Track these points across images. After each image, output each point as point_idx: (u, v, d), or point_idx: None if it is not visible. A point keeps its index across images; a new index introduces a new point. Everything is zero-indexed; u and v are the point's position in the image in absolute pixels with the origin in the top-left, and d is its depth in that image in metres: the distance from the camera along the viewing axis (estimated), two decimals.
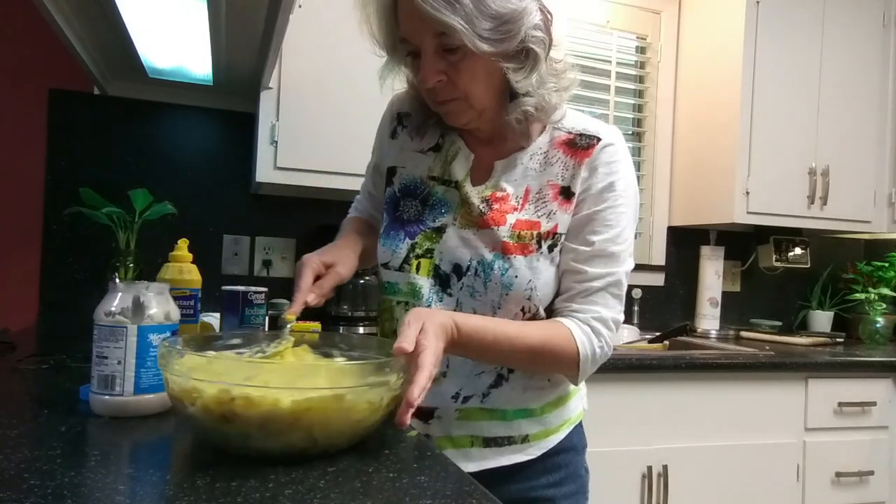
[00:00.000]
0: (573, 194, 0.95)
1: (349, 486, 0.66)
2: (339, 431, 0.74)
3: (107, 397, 0.85)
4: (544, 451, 0.99)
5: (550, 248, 0.94)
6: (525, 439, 0.98)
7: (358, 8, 0.94)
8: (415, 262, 0.97)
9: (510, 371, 0.97)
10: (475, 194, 0.98)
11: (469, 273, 0.94)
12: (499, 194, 0.97)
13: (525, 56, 0.91)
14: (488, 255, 0.94)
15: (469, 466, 0.95)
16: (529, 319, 0.94)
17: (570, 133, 0.98)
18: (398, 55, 0.96)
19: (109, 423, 0.85)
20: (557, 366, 0.93)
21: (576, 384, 0.99)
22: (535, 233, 0.94)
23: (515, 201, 0.97)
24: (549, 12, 0.93)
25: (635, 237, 0.99)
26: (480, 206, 0.96)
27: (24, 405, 0.94)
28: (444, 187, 1.01)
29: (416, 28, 0.88)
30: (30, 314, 1.93)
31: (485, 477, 0.89)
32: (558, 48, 0.96)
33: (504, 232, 0.94)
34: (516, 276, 0.92)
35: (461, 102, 0.92)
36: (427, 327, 0.80)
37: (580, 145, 0.96)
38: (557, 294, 0.96)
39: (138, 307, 0.85)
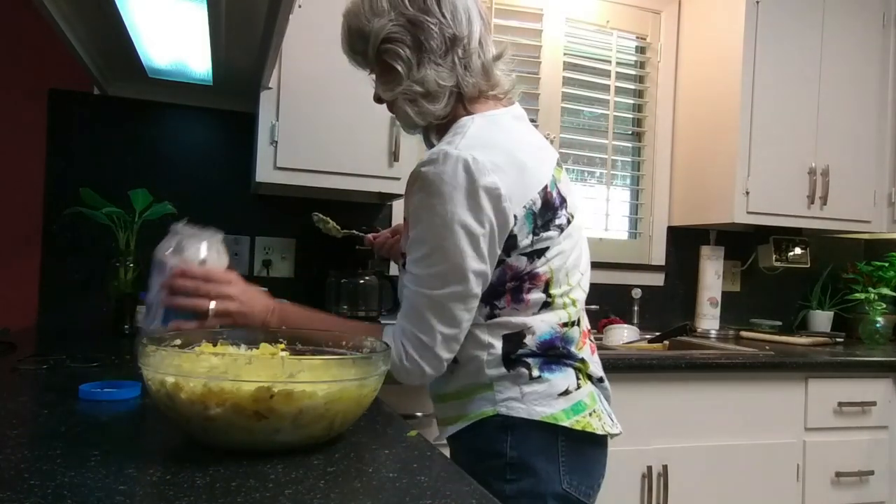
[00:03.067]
0: (406, 221, 1.03)
1: (349, 486, 0.66)
2: (353, 417, 0.81)
3: (146, 324, 0.98)
4: (447, 435, 1.11)
5: (404, 266, 1.04)
6: (443, 422, 1.13)
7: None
8: None
9: None
10: None
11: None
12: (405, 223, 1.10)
13: (385, 69, 1.08)
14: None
15: (442, 435, 1.14)
16: None
17: None
18: None
19: (110, 424, 0.85)
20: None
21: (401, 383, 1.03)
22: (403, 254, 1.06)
23: None
24: (408, 20, 1.09)
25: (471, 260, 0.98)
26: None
27: (24, 405, 0.94)
28: None
29: None
30: (30, 314, 1.93)
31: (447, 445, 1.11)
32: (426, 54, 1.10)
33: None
34: (398, 292, 1.09)
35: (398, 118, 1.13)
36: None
37: (410, 175, 1.02)
38: None
39: (178, 249, 0.97)
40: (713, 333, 2.50)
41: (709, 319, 2.53)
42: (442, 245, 0.95)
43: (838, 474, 2.04)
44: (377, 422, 0.92)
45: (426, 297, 0.97)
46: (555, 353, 1.04)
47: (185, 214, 1.89)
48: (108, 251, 1.85)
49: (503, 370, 1.02)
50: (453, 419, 1.08)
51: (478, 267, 0.96)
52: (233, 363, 0.73)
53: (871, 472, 2.08)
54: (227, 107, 2.11)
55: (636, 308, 2.52)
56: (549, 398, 1.02)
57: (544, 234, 1.01)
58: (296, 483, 0.65)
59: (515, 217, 0.97)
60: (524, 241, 0.99)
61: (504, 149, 1.00)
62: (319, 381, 0.74)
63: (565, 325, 1.05)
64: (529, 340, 1.02)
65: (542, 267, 1.01)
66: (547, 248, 1.02)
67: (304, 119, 1.82)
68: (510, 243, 0.99)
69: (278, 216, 2.16)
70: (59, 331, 1.80)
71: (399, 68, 1.03)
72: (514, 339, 1.02)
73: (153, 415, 0.91)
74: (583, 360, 1.07)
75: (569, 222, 1.06)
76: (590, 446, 1.08)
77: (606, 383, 1.14)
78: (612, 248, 2.58)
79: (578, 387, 1.05)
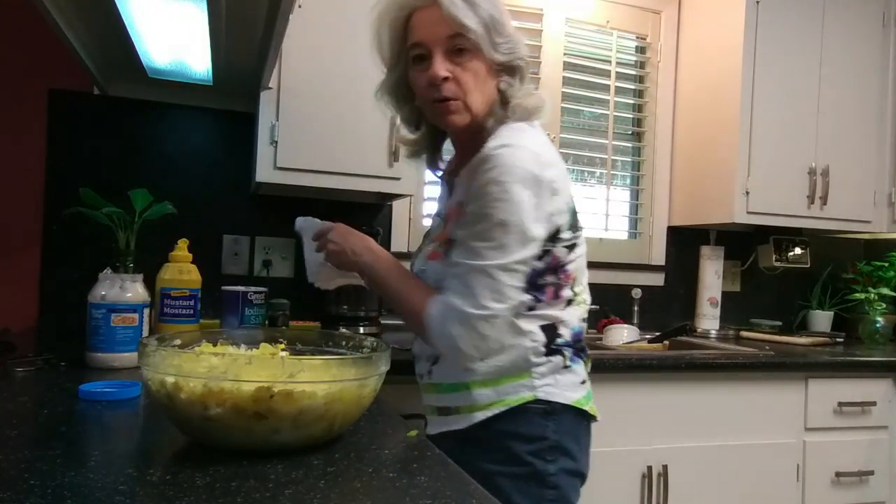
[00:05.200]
0: (463, 205, 1.08)
1: (349, 486, 0.66)
2: (353, 418, 0.81)
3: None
4: (470, 423, 1.10)
5: (447, 253, 1.10)
6: (457, 410, 1.13)
7: (372, 26, 1.14)
8: None
9: None
10: (444, 215, 1.21)
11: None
12: (450, 210, 1.17)
13: (516, 72, 1.13)
14: (421, 264, 1.19)
15: (432, 429, 1.17)
16: None
17: (485, 148, 1.07)
18: (399, 69, 1.15)
19: (110, 424, 0.85)
20: (415, 324, 1.09)
21: (425, 339, 1.09)
22: (442, 241, 1.13)
23: (456, 214, 1.13)
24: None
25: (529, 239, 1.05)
26: (441, 228, 1.19)
27: (24, 405, 0.94)
28: (438, 219, 1.26)
29: (435, 30, 1.06)
30: (30, 314, 1.93)
31: (440, 438, 1.10)
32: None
33: (435, 245, 1.16)
34: (425, 278, 1.14)
35: (459, 103, 1.09)
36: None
37: (475, 160, 1.06)
38: None
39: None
40: (713, 333, 2.50)
41: (709, 319, 2.53)
42: (507, 220, 1.01)
43: (838, 474, 2.04)
44: (377, 422, 0.92)
45: (481, 270, 1.02)
46: (579, 345, 1.15)
47: (185, 214, 1.90)
48: (108, 251, 1.85)
49: (543, 358, 1.10)
50: (483, 405, 1.10)
51: (531, 250, 1.04)
52: (233, 363, 0.73)
53: (871, 473, 2.08)
54: (227, 107, 2.11)
55: (636, 308, 2.52)
56: (576, 386, 1.14)
57: (576, 232, 1.13)
58: (296, 483, 0.65)
59: (563, 212, 1.09)
60: (565, 234, 1.10)
61: (553, 150, 1.12)
62: (319, 381, 0.74)
63: (583, 320, 1.17)
64: (564, 332, 1.12)
65: (571, 264, 1.12)
66: (576, 245, 1.13)
67: (304, 119, 1.82)
68: (556, 234, 1.09)
69: (278, 216, 2.15)
70: (59, 331, 1.80)
71: (526, 72, 1.16)
72: (551, 330, 1.11)
73: (153, 415, 0.91)
74: (589, 354, 1.20)
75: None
76: (590, 431, 1.21)
77: None
78: (612, 248, 2.58)
79: (587, 377, 1.18)
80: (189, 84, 1.95)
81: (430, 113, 1.14)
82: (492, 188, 1.01)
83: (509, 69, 1.11)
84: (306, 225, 1.26)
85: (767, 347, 2.22)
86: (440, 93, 1.07)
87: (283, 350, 0.93)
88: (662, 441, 1.87)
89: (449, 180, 1.25)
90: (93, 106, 2.00)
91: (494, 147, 1.04)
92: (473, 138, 1.12)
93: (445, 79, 1.06)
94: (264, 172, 1.81)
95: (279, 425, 0.72)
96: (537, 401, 1.09)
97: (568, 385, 1.12)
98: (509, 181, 1.01)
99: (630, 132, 2.67)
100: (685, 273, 2.65)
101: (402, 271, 1.15)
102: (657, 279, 2.62)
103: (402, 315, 1.14)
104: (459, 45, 1.06)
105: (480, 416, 1.10)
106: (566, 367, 1.12)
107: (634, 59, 2.67)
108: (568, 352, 1.12)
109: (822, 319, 2.68)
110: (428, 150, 1.28)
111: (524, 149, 1.04)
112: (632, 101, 2.66)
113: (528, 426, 1.09)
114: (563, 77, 2.51)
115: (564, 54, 2.51)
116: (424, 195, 2.34)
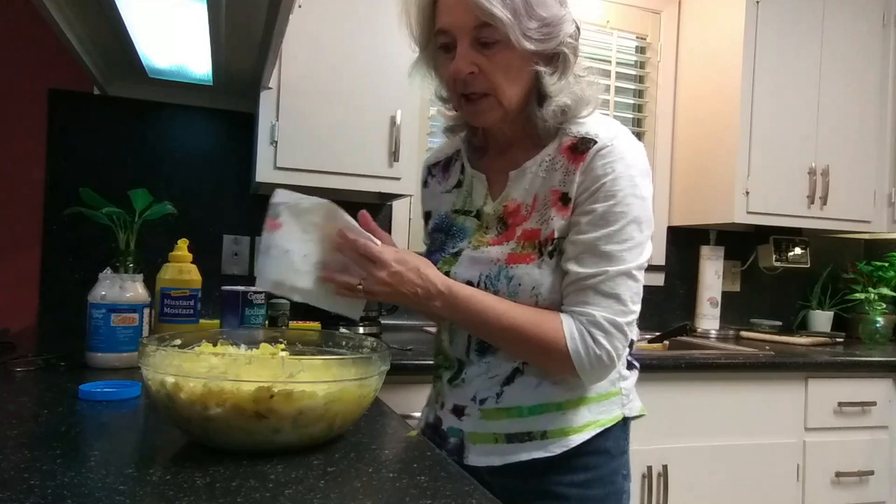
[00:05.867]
0: (570, 199, 0.95)
1: (349, 486, 0.66)
2: (353, 418, 0.81)
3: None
4: (565, 448, 0.97)
5: (551, 254, 0.95)
6: (543, 435, 0.98)
7: (399, 1, 0.99)
8: None
9: (525, 364, 0.98)
10: (492, 212, 1.03)
11: (479, 287, 0.98)
12: (511, 206, 1.01)
13: (557, 60, 0.96)
14: (494, 269, 0.97)
15: (494, 460, 0.99)
16: None
17: (574, 137, 0.98)
18: (430, 51, 1.00)
19: (110, 424, 0.85)
20: (546, 355, 0.93)
21: (585, 385, 0.98)
22: (535, 241, 0.96)
23: (525, 211, 0.99)
24: (578, 26, 0.99)
25: (650, 236, 0.97)
26: (497, 227, 1.01)
27: (24, 405, 0.94)
28: (465, 217, 1.07)
29: (459, 18, 0.92)
30: (30, 314, 1.93)
31: (510, 469, 0.97)
32: (580, 58, 1.01)
33: (511, 245, 0.98)
34: (520, 284, 0.95)
35: (490, 99, 0.95)
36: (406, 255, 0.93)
37: (579, 149, 0.96)
38: None
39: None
40: (713, 333, 2.50)
41: (709, 319, 2.53)
42: (640, 217, 0.94)
43: (838, 474, 2.04)
44: (377, 422, 0.92)
45: (626, 274, 0.92)
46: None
47: (185, 214, 1.90)
48: (108, 251, 1.85)
49: (627, 371, 1.05)
50: (578, 428, 0.98)
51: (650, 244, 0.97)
52: (233, 363, 0.73)
53: (871, 472, 2.08)
54: (227, 107, 2.11)
55: None
56: (634, 393, 1.07)
57: None
58: (296, 483, 0.65)
59: None
60: None
61: None
62: (319, 381, 0.74)
63: None
64: (632, 341, 1.02)
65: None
66: None
67: (304, 119, 1.82)
68: None
69: None
70: (59, 331, 1.80)
71: (571, 59, 1.00)
72: (630, 340, 1.01)
73: (153, 415, 0.91)
74: None
75: None
76: None
77: None
78: None
79: None
80: (189, 84, 1.95)
81: (458, 107, 1.01)
82: (622, 183, 0.93)
83: (547, 57, 0.95)
84: (291, 201, 0.92)
85: (767, 347, 2.22)
86: (466, 88, 0.95)
87: (283, 350, 0.93)
88: (662, 441, 1.87)
89: (486, 171, 1.07)
90: (93, 106, 2.00)
91: (607, 137, 0.95)
92: (522, 128, 1.01)
93: (471, 73, 0.93)
94: (264, 172, 1.81)
95: (279, 425, 0.72)
96: (623, 416, 1.02)
97: (633, 394, 1.06)
98: (636, 174, 0.94)
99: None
100: (685, 273, 2.65)
101: (496, 300, 0.95)
102: (657, 279, 2.62)
103: (518, 349, 0.96)
104: (485, 39, 0.92)
105: (577, 439, 0.98)
106: (631, 376, 1.06)
107: (634, 59, 2.67)
108: (636, 363, 1.07)
109: (822, 319, 2.68)
110: (464, 126, 1.10)
111: (632, 138, 0.97)
112: (632, 101, 2.66)
113: (614, 443, 1.02)
114: None
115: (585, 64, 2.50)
116: None
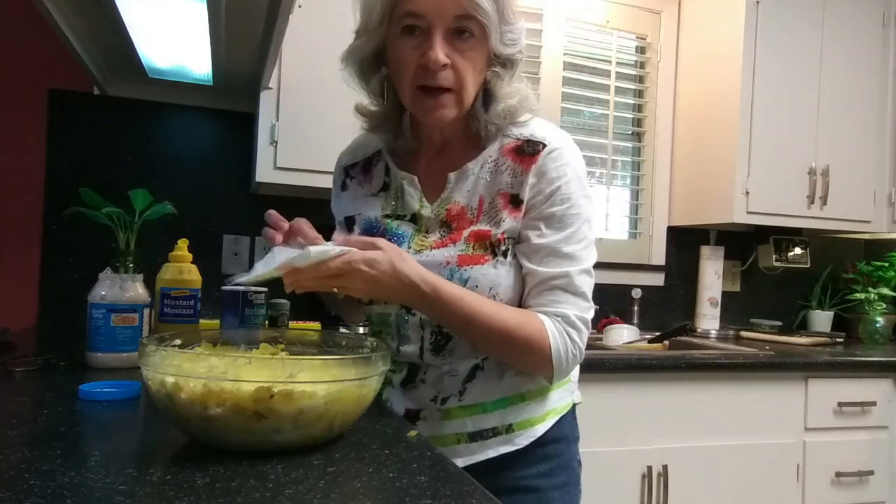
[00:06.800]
0: (522, 201, 0.96)
1: (349, 486, 0.66)
2: (353, 418, 0.80)
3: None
4: (531, 439, 0.99)
5: (505, 254, 0.96)
6: (510, 429, 1.00)
7: None
8: None
9: (485, 359, 0.99)
10: (433, 216, 1.01)
11: None
12: (454, 209, 1.00)
13: (511, 66, 0.98)
14: (445, 272, 0.95)
15: (458, 462, 0.95)
16: None
17: (517, 139, 0.99)
18: (379, 36, 0.95)
19: (110, 424, 0.85)
20: (529, 356, 0.94)
21: (550, 382, 1.00)
22: (487, 242, 0.96)
23: (471, 214, 0.99)
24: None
25: (597, 238, 1.03)
26: (441, 230, 1.00)
27: (24, 405, 0.94)
28: (399, 221, 1.04)
29: (441, 4, 0.89)
30: (30, 314, 1.93)
31: (472, 469, 0.94)
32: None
33: (460, 246, 0.97)
34: (476, 286, 0.94)
35: (452, 95, 0.94)
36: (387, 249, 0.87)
37: (527, 152, 0.97)
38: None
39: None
40: (713, 333, 2.50)
41: (709, 319, 2.53)
42: (590, 217, 0.98)
43: (838, 474, 2.04)
44: (377, 422, 0.92)
45: (585, 272, 0.97)
46: None
47: (185, 214, 1.90)
48: (108, 251, 1.85)
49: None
50: (539, 419, 1.01)
51: None
52: (233, 363, 0.73)
53: (871, 472, 2.08)
54: (227, 107, 2.11)
55: (636, 308, 2.52)
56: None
57: None
58: (296, 483, 0.65)
59: None
60: None
61: None
62: (319, 381, 0.74)
63: None
64: None
65: None
66: None
67: (304, 119, 1.82)
68: None
69: None
70: (59, 331, 1.80)
71: (519, 66, 1.02)
72: None
73: (153, 415, 0.91)
74: None
75: None
76: None
77: None
78: (612, 248, 2.58)
79: None
80: (189, 84, 1.95)
81: (411, 99, 0.95)
82: (574, 185, 0.96)
83: (505, 61, 0.97)
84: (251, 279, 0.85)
85: (767, 347, 2.22)
86: (435, 80, 0.91)
87: (282, 350, 0.93)
88: (662, 441, 1.87)
89: (416, 173, 1.04)
90: (93, 106, 2.00)
91: (556, 141, 0.98)
92: (462, 129, 1.01)
93: (444, 65, 0.90)
94: (264, 172, 1.81)
95: (279, 425, 0.72)
96: (573, 401, 1.07)
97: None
98: (583, 176, 0.98)
99: (630, 132, 2.67)
100: (685, 273, 2.65)
101: (481, 299, 0.93)
102: (657, 279, 2.62)
103: (504, 350, 0.95)
104: (462, 28, 0.90)
105: (542, 428, 1.00)
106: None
107: (634, 59, 2.67)
108: None
109: (822, 319, 2.68)
110: (390, 124, 1.05)
111: (573, 141, 1.01)
112: (632, 101, 2.66)
113: (570, 429, 1.06)
114: (563, 77, 2.50)
115: (564, 54, 2.51)
116: None
